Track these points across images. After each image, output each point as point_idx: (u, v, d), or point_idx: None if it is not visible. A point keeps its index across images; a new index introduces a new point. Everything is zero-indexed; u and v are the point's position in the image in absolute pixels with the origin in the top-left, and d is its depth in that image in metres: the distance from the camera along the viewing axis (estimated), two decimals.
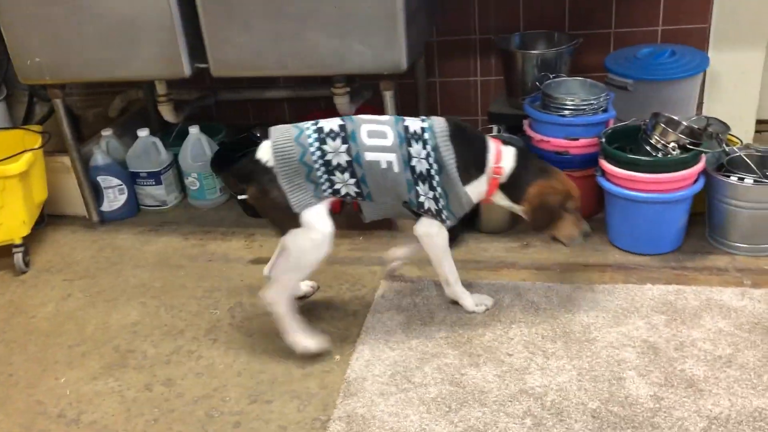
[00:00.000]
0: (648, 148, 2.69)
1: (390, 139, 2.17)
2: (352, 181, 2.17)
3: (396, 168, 2.16)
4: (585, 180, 2.86)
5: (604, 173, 2.74)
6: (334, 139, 2.14)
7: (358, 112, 3.18)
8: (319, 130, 2.15)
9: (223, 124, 3.78)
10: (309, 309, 2.57)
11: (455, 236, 2.96)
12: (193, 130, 3.44)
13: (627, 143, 2.79)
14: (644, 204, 2.64)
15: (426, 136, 2.20)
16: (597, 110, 2.83)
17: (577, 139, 2.83)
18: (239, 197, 3.07)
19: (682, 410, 1.98)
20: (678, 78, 3.00)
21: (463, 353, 2.28)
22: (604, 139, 2.74)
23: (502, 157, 2.28)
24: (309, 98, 3.59)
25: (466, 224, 3.02)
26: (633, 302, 2.45)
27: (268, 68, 2.80)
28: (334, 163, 2.14)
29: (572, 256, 2.78)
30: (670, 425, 1.93)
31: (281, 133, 2.17)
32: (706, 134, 2.69)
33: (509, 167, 2.28)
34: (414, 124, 2.22)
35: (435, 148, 2.19)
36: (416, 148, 2.18)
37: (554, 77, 3.00)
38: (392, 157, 2.16)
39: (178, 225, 3.34)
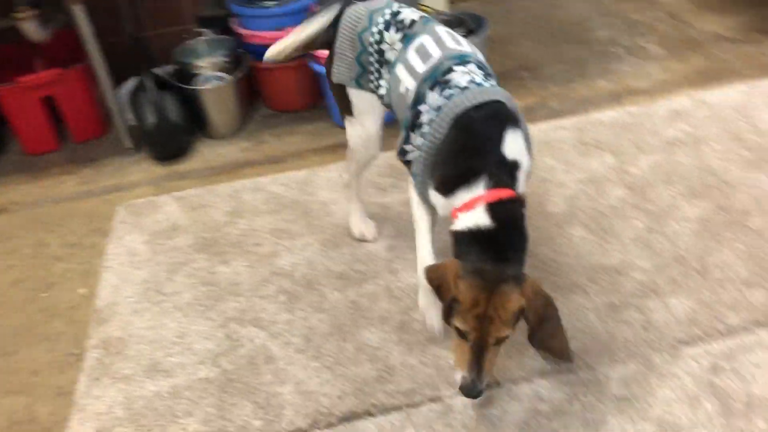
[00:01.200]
0: None
1: (424, 67, 1.71)
2: (385, 86, 1.85)
3: (408, 100, 1.73)
4: (301, 69, 2.94)
5: (315, 58, 2.83)
6: (398, 30, 1.80)
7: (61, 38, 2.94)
8: (395, 15, 1.83)
9: None
10: (43, 253, 2.41)
11: (185, 147, 2.91)
12: None
13: None
14: None
15: (446, 91, 1.64)
16: None
17: (285, 29, 2.87)
18: None
19: (410, 249, 2.20)
20: None
21: (212, 254, 2.31)
22: None
23: (473, 207, 1.54)
24: None
25: (197, 132, 2.98)
26: None
27: None
28: (386, 56, 1.82)
29: (305, 144, 2.89)
30: (403, 267, 2.15)
31: (370, 2, 1.93)
32: None
33: (468, 224, 1.55)
34: (462, 74, 1.64)
35: (437, 108, 1.64)
36: (431, 97, 1.66)
37: None
38: (411, 86, 1.72)
39: None
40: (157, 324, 2.06)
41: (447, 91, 1.62)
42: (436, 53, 1.69)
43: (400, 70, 1.76)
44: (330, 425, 1.72)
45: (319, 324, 2.00)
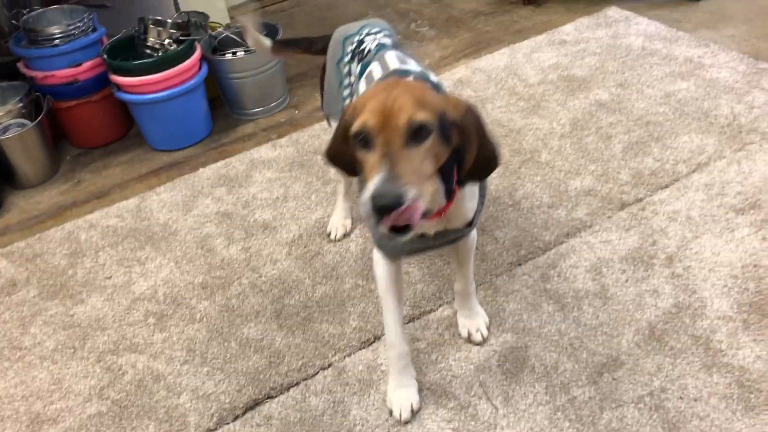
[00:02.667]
0: (149, 51, 2.85)
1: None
2: None
3: None
4: (105, 101, 2.92)
5: (119, 87, 2.82)
6: (359, 62, 1.76)
7: None
8: (359, 44, 1.80)
9: None
10: None
11: None
12: None
13: (130, 54, 2.90)
14: (163, 103, 2.83)
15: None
16: (86, 32, 2.85)
17: (80, 64, 2.83)
18: None
19: (262, 245, 2.34)
20: None
21: (64, 298, 2.25)
22: (105, 56, 2.81)
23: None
24: None
25: (5, 185, 2.84)
26: (194, 188, 2.69)
27: None
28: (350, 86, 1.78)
29: (125, 174, 2.87)
30: (262, 263, 2.28)
31: (346, 27, 1.91)
32: (192, 25, 2.97)
33: None
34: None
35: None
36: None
37: (29, 11, 2.89)
38: None
39: None
40: (26, 378, 1.99)
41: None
42: (377, 76, 1.60)
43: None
44: (237, 417, 1.81)
45: (196, 334, 2.06)
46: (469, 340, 1.92)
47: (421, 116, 1.23)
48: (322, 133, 2.90)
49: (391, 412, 1.75)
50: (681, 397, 1.69)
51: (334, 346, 1.95)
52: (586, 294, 2.01)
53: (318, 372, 1.90)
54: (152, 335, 2.08)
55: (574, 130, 2.70)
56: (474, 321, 1.93)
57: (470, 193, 1.54)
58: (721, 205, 2.25)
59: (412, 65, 1.63)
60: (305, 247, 2.32)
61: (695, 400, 1.68)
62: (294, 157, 2.79)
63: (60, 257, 2.43)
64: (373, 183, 1.17)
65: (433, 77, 1.60)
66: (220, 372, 1.93)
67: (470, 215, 1.59)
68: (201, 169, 2.80)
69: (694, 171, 2.41)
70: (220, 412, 1.82)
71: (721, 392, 1.69)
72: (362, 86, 1.66)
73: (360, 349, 1.95)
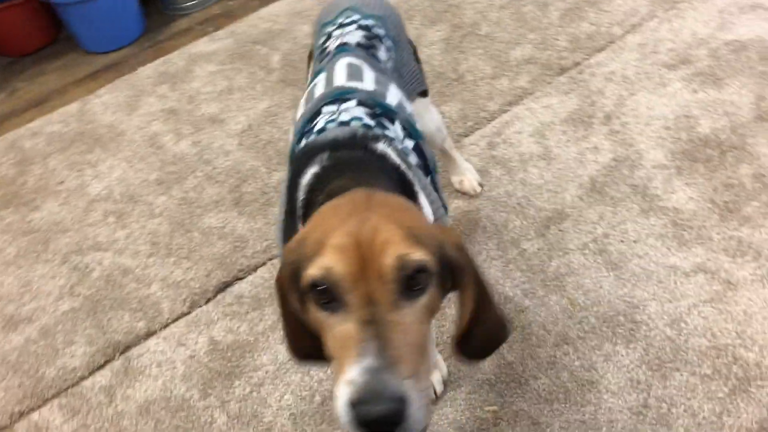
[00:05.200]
0: None
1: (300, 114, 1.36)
2: None
3: None
4: (29, 4, 2.79)
5: None
6: (320, 63, 1.45)
7: None
8: (326, 40, 1.49)
9: None
10: None
11: None
12: None
13: None
14: (90, 2, 2.72)
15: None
16: None
17: None
18: None
19: (212, 138, 2.35)
20: None
21: (18, 206, 2.25)
22: None
23: None
24: None
25: None
26: (136, 87, 2.64)
27: None
28: None
29: (62, 79, 2.79)
30: (214, 156, 2.30)
31: (329, 7, 1.61)
32: None
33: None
34: (324, 116, 1.25)
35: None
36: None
37: None
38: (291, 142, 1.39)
39: None
40: None
41: (305, 141, 1.21)
42: (317, 95, 1.30)
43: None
44: (209, 300, 1.89)
45: (158, 227, 2.10)
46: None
47: (418, 255, 0.83)
48: (260, 21, 2.85)
49: None
50: (622, 240, 1.83)
51: None
52: (530, 157, 2.10)
53: None
54: (114, 233, 2.11)
55: (512, 1, 2.72)
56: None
57: None
58: (654, 63, 2.34)
59: (367, 81, 1.29)
60: (256, 137, 2.34)
61: (635, 241, 1.83)
62: (234, 49, 2.75)
63: (7, 167, 2.40)
64: (353, 375, 0.75)
65: (391, 99, 1.27)
66: (187, 260, 1.99)
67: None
68: (140, 69, 2.75)
69: (628, 32, 2.48)
70: (191, 297, 1.89)
71: (657, 232, 1.84)
72: (301, 104, 1.35)
73: None
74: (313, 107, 1.27)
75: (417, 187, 1.12)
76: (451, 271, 0.92)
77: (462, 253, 0.92)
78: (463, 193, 2.02)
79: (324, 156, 1.10)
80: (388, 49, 1.47)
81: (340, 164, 1.05)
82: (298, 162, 1.14)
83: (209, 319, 1.83)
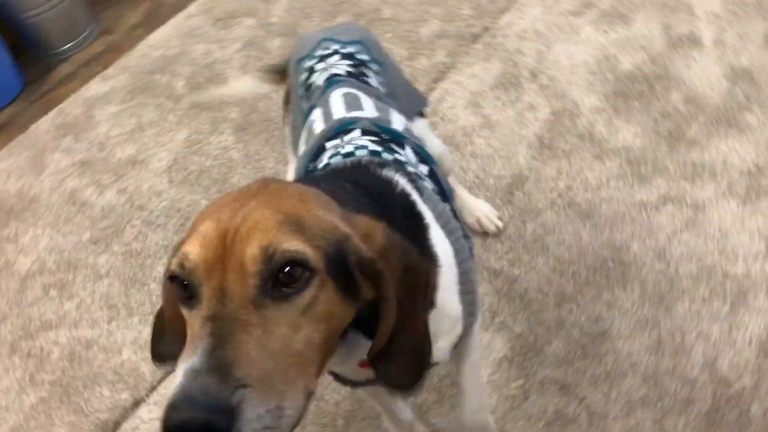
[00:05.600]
0: None
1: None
2: None
3: None
4: None
5: None
6: (307, 100, 1.35)
7: None
8: (309, 75, 1.38)
9: None
10: None
11: None
12: None
13: None
14: None
15: None
16: None
17: None
18: None
19: (139, 182, 2.19)
20: None
21: None
22: None
23: None
24: None
25: None
26: (35, 146, 2.43)
27: None
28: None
29: None
30: (146, 199, 2.15)
31: (300, 41, 1.49)
32: None
33: None
34: (328, 151, 1.15)
35: None
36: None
37: None
38: None
39: None
40: None
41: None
42: (318, 131, 1.20)
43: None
44: None
45: (109, 289, 1.94)
46: None
47: (292, 245, 0.70)
48: (151, 50, 2.68)
49: None
50: (585, 189, 1.86)
51: None
52: (472, 129, 2.10)
53: None
54: (62, 306, 1.93)
55: None
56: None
57: (444, 294, 0.92)
58: (560, 13, 2.39)
59: (367, 109, 1.20)
60: (185, 169, 2.21)
61: (597, 187, 1.86)
62: (131, 84, 2.57)
63: None
64: (178, 374, 0.65)
65: (397, 125, 1.18)
66: (153, 315, 1.84)
67: (458, 331, 1.03)
68: (32, 126, 2.52)
69: None
70: None
71: (616, 174, 1.88)
72: (301, 143, 1.26)
73: None
74: (315, 144, 1.17)
75: (429, 219, 0.97)
76: (366, 275, 0.76)
77: (383, 257, 0.76)
78: (484, 233, 1.81)
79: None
80: (376, 74, 1.38)
81: (332, 191, 0.85)
82: (305, 180, 1.01)
83: None
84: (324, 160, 1.09)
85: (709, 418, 1.41)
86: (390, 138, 1.12)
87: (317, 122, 1.21)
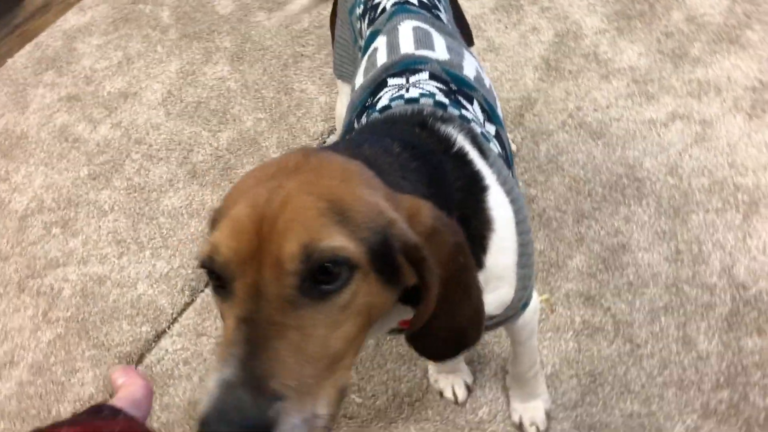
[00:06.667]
0: None
1: (361, 86, 1.14)
2: None
3: None
4: None
5: None
6: (369, 22, 1.23)
7: None
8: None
9: None
10: None
11: None
12: None
13: None
14: None
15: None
16: None
17: None
18: None
19: (134, 115, 2.13)
20: None
21: None
22: None
23: None
24: None
25: None
26: (15, 82, 2.31)
27: None
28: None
29: None
30: (144, 132, 2.08)
31: None
32: None
33: None
34: (390, 91, 1.04)
35: None
36: None
37: None
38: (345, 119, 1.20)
39: None
40: None
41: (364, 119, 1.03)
42: (381, 62, 1.11)
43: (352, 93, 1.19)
44: (208, 282, 1.75)
45: (116, 224, 1.89)
46: (520, 429, 1.41)
47: (335, 242, 0.65)
48: None
49: None
50: (595, 109, 1.88)
51: None
52: (477, 52, 2.06)
53: None
54: (66, 244, 1.88)
55: None
56: (530, 407, 1.39)
57: (497, 258, 0.89)
58: None
59: (439, 49, 1.10)
60: (181, 101, 2.14)
61: (607, 107, 1.88)
62: (113, 15, 2.46)
63: None
64: (210, 384, 0.61)
65: (469, 71, 1.09)
66: (165, 249, 1.82)
67: (508, 297, 0.96)
68: (9, 60, 2.40)
69: None
70: (188, 284, 1.75)
71: (624, 93, 1.90)
72: (359, 72, 1.15)
73: None
74: (376, 77, 1.07)
75: (489, 180, 0.90)
76: (410, 260, 0.70)
77: (429, 239, 0.71)
78: None
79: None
80: (444, 9, 1.27)
81: (377, 157, 0.80)
82: (349, 142, 0.90)
83: None
84: (384, 99, 1.01)
85: (729, 321, 1.47)
86: (459, 88, 1.03)
87: (381, 52, 1.11)
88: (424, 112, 0.93)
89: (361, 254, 0.66)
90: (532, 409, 1.39)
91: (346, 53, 1.33)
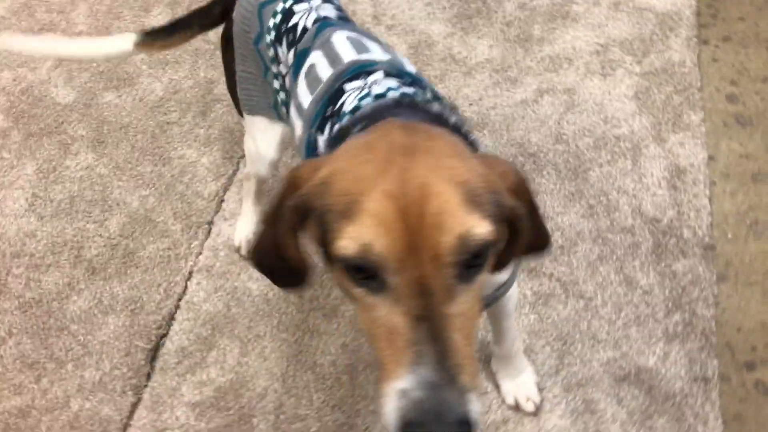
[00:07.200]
0: None
1: (311, 99, 1.12)
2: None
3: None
4: None
5: None
6: (289, 45, 1.22)
7: None
8: (285, 17, 1.23)
9: None
10: None
11: None
12: None
13: None
14: None
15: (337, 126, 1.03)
16: None
17: None
18: None
19: None
20: None
21: None
22: None
23: None
24: None
25: None
26: None
27: None
28: (287, 85, 1.25)
29: None
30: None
31: None
32: None
33: None
34: (354, 92, 1.03)
35: None
36: (322, 144, 1.07)
37: None
38: (300, 134, 1.17)
39: None
40: None
41: (338, 125, 1.01)
42: (325, 75, 1.11)
43: (293, 112, 1.18)
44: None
45: (21, 348, 1.69)
46: (517, 408, 1.44)
47: (483, 228, 0.68)
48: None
49: None
50: (471, 104, 1.99)
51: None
52: None
53: None
54: (88, 226, 1.65)
55: None
56: (520, 383, 1.43)
57: None
58: None
59: (376, 53, 1.13)
60: (51, 201, 1.97)
61: (479, 99, 1.99)
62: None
63: None
64: (406, 385, 0.62)
65: (410, 67, 1.14)
66: (89, 355, 1.66)
67: (503, 275, 1.04)
68: None
69: None
70: (128, 384, 1.60)
71: (489, 84, 2.03)
72: (302, 90, 1.15)
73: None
74: (328, 88, 1.07)
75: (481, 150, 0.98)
76: (505, 219, 0.76)
77: (516, 195, 0.76)
78: None
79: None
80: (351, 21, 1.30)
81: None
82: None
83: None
84: (350, 102, 1.02)
85: (656, 253, 1.62)
86: (412, 81, 1.07)
87: (321, 66, 1.12)
88: (404, 102, 0.97)
89: (494, 231, 0.70)
90: (522, 385, 1.43)
91: (255, 86, 1.32)
